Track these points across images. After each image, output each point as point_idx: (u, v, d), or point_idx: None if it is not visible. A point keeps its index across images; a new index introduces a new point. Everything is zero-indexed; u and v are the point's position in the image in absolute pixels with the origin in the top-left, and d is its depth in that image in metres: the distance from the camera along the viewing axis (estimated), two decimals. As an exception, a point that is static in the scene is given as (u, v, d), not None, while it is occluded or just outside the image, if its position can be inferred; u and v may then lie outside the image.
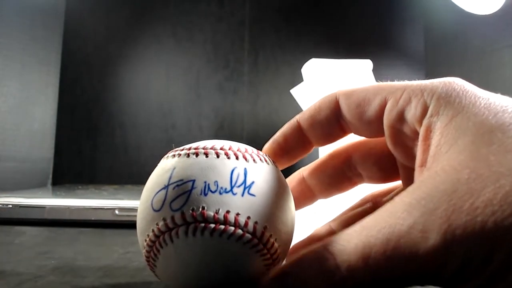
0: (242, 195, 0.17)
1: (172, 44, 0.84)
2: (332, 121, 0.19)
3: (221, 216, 0.16)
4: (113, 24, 0.84)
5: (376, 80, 0.66)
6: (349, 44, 0.86)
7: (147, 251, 0.18)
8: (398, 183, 0.21)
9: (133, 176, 0.80)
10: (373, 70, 0.64)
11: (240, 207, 0.16)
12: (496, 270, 0.12)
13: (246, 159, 0.18)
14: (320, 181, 0.22)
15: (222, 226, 0.16)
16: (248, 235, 0.16)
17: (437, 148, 0.14)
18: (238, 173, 0.17)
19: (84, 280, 0.22)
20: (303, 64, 0.67)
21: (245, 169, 0.17)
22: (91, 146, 0.81)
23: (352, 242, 0.14)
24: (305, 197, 0.22)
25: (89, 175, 0.80)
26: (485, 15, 0.60)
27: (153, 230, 0.17)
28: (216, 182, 0.17)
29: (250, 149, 0.19)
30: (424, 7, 0.87)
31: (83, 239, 0.35)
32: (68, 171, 0.79)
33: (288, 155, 0.20)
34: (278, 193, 0.18)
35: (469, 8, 0.61)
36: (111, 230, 0.39)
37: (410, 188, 0.14)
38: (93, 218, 0.41)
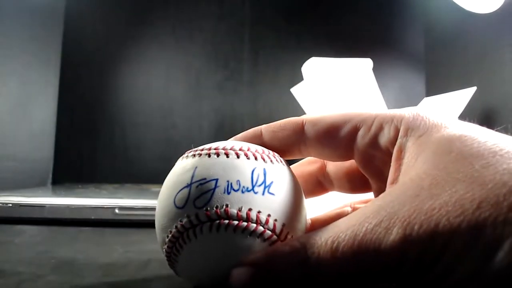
0: (263, 194, 0.17)
1: (172, 43, 0.84)
2: (292, 142, 0.21)
3: (243, 213, 0.17)
4: (113, 23, 0.84)
5: (376, 79, 0.66)
6: (349, 43, 0.86)
7: (168, 247, 0.18)
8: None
9: (133, 175, 0.80)
10: (373, 69, 0.64)
11: (261, 205, 0.17)
12: (446, 265, 0.13)
13: (264, 160, 0.19)
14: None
15: (245, 223, 0.17)
16: (268, 232, 0.17)
17: (406, 164, 0.16)
18: (258, 173, 0.18)
19: (84, 279, 0.22)
20: (303, 63, 0.67)
21: (264, 169, 0.18)
22: (91, 146, 0.81)
23: (323, 237, 0.15)
24: None
25: (89, 174, 0.80)
26: (485, 14, 0.60)
27: (176, 227, 0.17)
28: (238, 181, 0.17)
29: (266, 150, 0.20)
30: (424, 6, 0.87)
31: (83, 238, 0.35)
32: (68, 170, 0.78)
33: None
34: (294, 192, 0.19)
35: (469, 7, 0.61)
36: (111, 229, 0.39)
37: (381, 195, 0.16)
38: (93, 217, 0.41)
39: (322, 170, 0.23)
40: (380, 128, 0.18)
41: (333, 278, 0.15)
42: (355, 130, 0.19)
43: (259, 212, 0.17)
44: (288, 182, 0.19)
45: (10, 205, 0.41)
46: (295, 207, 0.18)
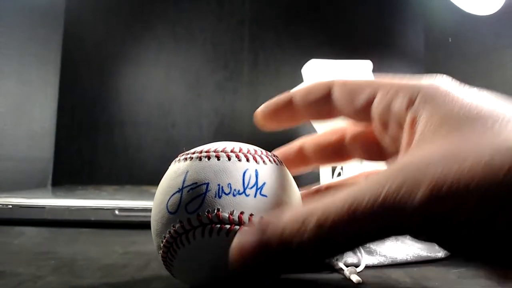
0: (255, 196, 0.17)
1: (171, 43, 0.84)
2: (322, 103, 0.21)
3: (235, 217, 0.17)
4: (112, 23, 0.84)
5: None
6: (349, 44, 0.86)
7: (164, 252, 0.18)
8: None
9: (133, 176, 0.80)
10: (373, 71, 0.64)
11: (254, 207, 0.17)
12: (478, 224, 0.13)
13: (256, 161, 0.18)
14: (318, 152, 0.24)
15: (237, 227, 0.17)
16: None
17: (423, 134, 0.16)
18: (250, 175, 0.18)
19: (84, 280, 0.22)
20: (303, 64, 0.67)
21: (256, 170, 0.18)
22: (90, 146, 0.81)
23: (341, 196, 0.14)
24: (302, 163, 0.25)
25: (89, 175, 0.80)
26: (485, 15, 0.60)
27: (169, 232, 0.17)
28: (229, 185, 0.17)
29: (259, 150, 0.19)
30: (424, 7, 0.87)
31: (83, 239, 0.35)
32: (68, 171, 0.78)
33: (276, 121, 0.23)
34: (288, 192, 0.19)
35: (469, 8, 0.61)
36: (111, 231, 0.39)
37: (400, 158, 0.16)
38: (92, 218, 0.41)
39: (342, 140, 0.24)
40: (396, 95, 0.18)
41: (350, 240, 0.14)
42: (373, 95, 0.19)
43: (251, 215, 0.17)
44: (282, 182, 0.18)
45: (10, 206, 0.41)
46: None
